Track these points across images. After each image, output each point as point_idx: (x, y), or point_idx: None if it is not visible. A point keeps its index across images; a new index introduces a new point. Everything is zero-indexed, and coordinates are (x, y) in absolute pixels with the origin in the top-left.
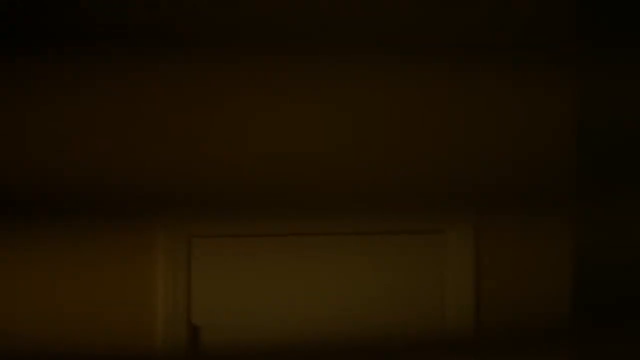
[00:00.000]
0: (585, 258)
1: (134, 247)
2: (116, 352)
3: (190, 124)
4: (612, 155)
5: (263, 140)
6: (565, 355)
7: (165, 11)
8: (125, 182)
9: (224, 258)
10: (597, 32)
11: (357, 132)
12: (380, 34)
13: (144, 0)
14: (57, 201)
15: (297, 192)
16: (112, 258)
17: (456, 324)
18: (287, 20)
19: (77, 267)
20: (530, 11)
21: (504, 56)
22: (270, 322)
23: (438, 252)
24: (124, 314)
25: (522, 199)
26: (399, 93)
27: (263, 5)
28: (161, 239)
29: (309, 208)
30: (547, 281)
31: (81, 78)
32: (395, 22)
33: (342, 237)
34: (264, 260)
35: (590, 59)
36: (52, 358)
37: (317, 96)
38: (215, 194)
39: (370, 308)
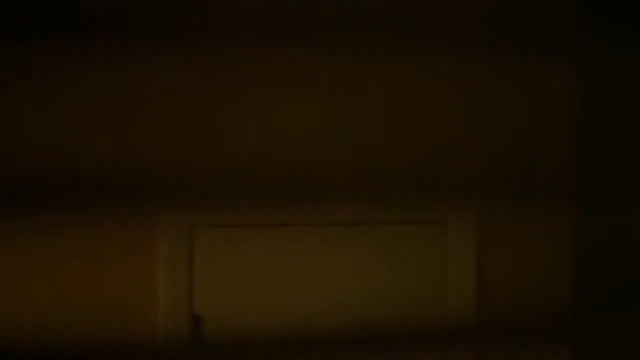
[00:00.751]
0: (586, 250)
1: (136, 237)
2: (118, 342)
3: (192, 115)
4: (612, 148)
5: (264, 131)
6: (565, 346)
7: (165, 5)
8: (126, 174)
9: (225, 248)
10: (597, 30)
11: (357, 123)
12: (381, 29)
13: None
14: (58, 192)
15: (298, 183)
16: (114, 249)
17: (457, 315)
18: (285, 15)
19: (79, 258)
20: (531, 9)
21: (505, 50)
22: (272, 312)
23: (439, 243)
24: (126, 304)
25: (523, 190)
26: (400, 85)
27: (262, 1)
28: (163, 230)
29: (309, 198)
30: (548, 272)
31: (82, 70)
32: (399, 17)
33: (344, 228)
34: (265, 250)
35: (590, 55)
36: (54, 348)
37: (317, 88)
38: (217, 184)
39: (371, 299)
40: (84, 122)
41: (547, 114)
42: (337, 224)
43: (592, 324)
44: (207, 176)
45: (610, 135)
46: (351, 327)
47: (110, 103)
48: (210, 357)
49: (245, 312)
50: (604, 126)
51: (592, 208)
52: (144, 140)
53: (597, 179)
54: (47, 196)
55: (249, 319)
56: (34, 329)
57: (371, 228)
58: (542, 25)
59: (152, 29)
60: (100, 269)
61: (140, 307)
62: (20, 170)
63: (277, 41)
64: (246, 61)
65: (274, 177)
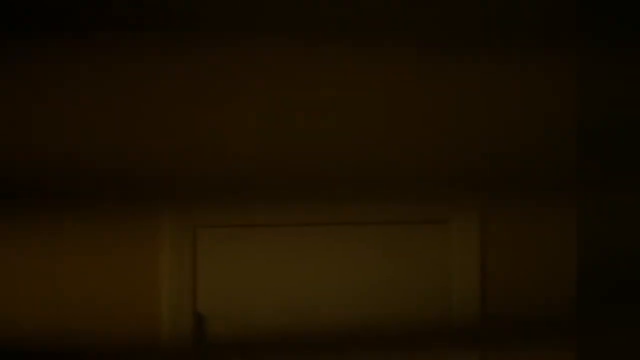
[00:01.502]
0: (588, 247)
1: (140, 236)
2: (122, 340)
3: (194, 115)
4: (613, 147)
5: (267, 130)
6: (569, 342)
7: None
8: (130, 174)
9: (229, 247)
10: (597, 29)
11: (360, 122)
12: (385, 29)
13: None
14: (63, 191)
15: (301, 182)
16: (118, 248)
17: (462, 312)
18: (287, 15)
19: (83, 256)
20: (531, 8)
21: (507, 50)
22: (275, 311)
23: (443, 240)
24: (130, 303)
25: (525, 189)
26: (404, 85)
27: (265, 4)
28: (167, 229)
29: (313, 198)
30: (551, 270)
31: (86, 67)
32: (400, 17)
33: (348, 227)
34: (269, 249)
35: (590, 54)
36: (57, 346)
37: (320, 87)
38: (220, 183)
39: (375, 297)
40: (88, 121)
41: (548, 112)
42: (341, 223)
43: (595, 321)
44: (210, 175)
45: (612, 133)
46: (355, 325)
47: (114, 102)
48: (213, 356)
49: (249, 311)
50: (605, 125)
51: (595, 206)
52: (146, 140)
53: (599, 177)
54: (51, 195)
55: (252, 317)
56: (36, 328)
57: (376, 227)
58: (542, 25)
59: (155, 29)
60: (103, 268)
61: (144, 306)
62: (24, 169)
63: (280, 40)
64: (248, 61)
65: (277, 177)
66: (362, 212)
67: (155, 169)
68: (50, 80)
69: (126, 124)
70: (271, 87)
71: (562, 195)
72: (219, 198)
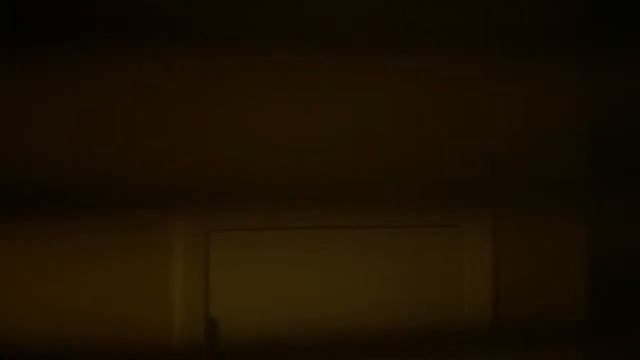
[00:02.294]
0: (599, 253)
1: (152, 241)
2: (135, 346)
3: (208, 120)
4: (622, 151)
5: (280, 135)
6: (580, 348)
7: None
8: (142, 178)
9: (241, 252)
10: (603, 32)
11: (373, 128)
12: (390, 35)
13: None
14: (76, 197)
15: (314, 187)
16: (131, 253)
17: (474, 317)
18: (289, 19)
19: (96, 262)
20: (536, 12)
21: (517, 59)
22: (288, 315)
23: (456, 245)
24: (142, 308)
25: (537, 195)
26: (418, 92)
27: (265, 5)
28: (179, 234)
29: (327, 202)
30: (562, 275)
31: (94, 73)
32: (403, 22)
33: (360, 231)
34: (281, 254)
35: (595, 58)
36: (71, 352)
37: (331, 90)
38: (232, 188)
39: (388, 302)
40: (99, 127)
41: (558, 119)
42: (354, 228)
43: (606, 327)
44: (223, 181)
45: (622, 137)
46: (368, 329)
47: (127, 108)
48: None
49: (261, 315)
50: (615, 128)
51: (605, 211)
52: (159, 144)
53: (609, 183)
54: (65, 202)
55: (264, 322)
56: (49, 336)
57: (389, 231)
58: (549, 29)
59: (167, 35)
60: (117, 273)
61: (157, 311)
62: (36, 176)
63: (288, 45)
64: (258, 66)
65: (290, 181)
66: (374, 216)
67: (168, 174)
68: (51, 85)
69: (139, 129)
70: (280, 95)
71: (573, 202)
72: (231, 203)
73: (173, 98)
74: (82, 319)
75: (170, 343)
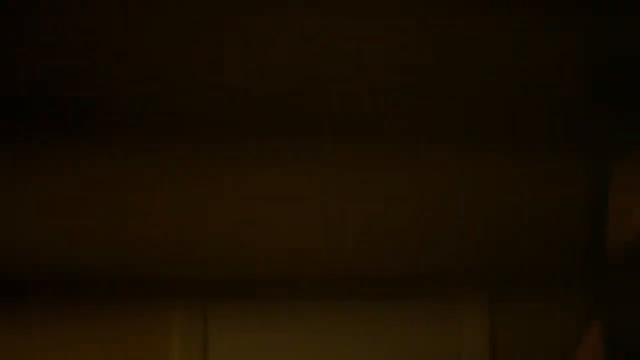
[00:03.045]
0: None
1: (149, 328)
2: None
3: (202, 206)
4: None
5: (276, 217)
6: None
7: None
8: (140, 267)
9: (239, 330)
10: (610, 105)
11: (369, 212)
12: (393, 118)
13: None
14: (73, 283)
15: (311, 276)
16: (128, 339)
17: None
18: (287, 100)
19: (91, 343)
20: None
21: (514, 140)
22: None
23: (453, 329)
24: None
25: (536, 277)
26: (414, 176)
27: (259, 86)
28: (176, 321)
29: (324, 289)
30: (563, 358)
31: (95, 161)
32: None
33: (358, 305)
34: (282, 327)
35: (603, 136)
36: None
37: (330, 175)
38: (229, 274)
39: None
40: (98, 215)
41: (560, 196)
42: (352, 301)
43: None
44: (220, 266)
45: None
46: None
47: (121, 197)
48: None
49: None
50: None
51: (607, 297)
52: (154, 232)
53: (609, 270)
54: (63, 287)
55: None
56: None
57: (386, 314)
58: (555, 118)
59: (164, 121)
60: (114, 352)
61: None
62: (35, 265)
63: (279, 127)
64: (254, 153)
65: (286, 266)
66: (371, 303)
67: (164, 261)
68: (59, 180)
69: (132, 219)
70: (274, 176)
71: (572, 286)
72: (228, 288)
73: (164, 188)
74: None
75: None
